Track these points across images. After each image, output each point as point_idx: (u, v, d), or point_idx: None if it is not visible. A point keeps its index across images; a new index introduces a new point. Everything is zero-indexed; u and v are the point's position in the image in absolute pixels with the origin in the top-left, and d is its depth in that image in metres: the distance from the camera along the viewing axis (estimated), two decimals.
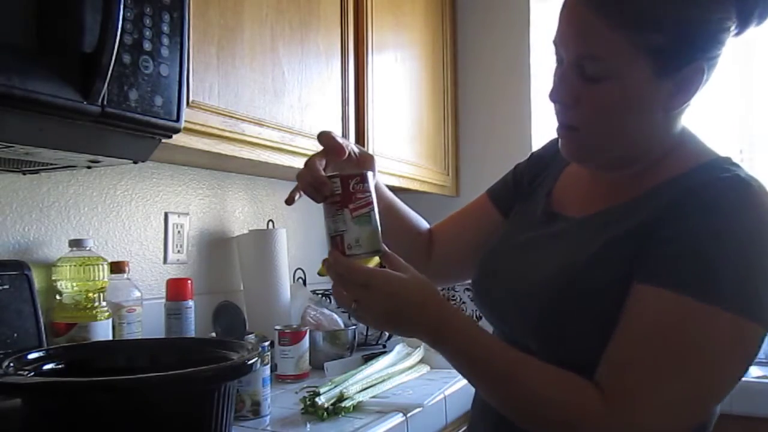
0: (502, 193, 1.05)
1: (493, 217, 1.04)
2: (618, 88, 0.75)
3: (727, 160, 0.80)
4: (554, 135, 0.92)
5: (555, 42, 0.80)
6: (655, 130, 0.80)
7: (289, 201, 0.88)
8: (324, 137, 0.90)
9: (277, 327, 1.51)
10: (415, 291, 0.78)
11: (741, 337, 0.70)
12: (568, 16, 0.78)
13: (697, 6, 0.73)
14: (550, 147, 1.02)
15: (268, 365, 1.23)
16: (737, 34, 0.77)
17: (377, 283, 0.78)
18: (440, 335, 0.78)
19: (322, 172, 0.85)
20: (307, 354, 1.51)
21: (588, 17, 0.74)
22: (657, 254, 0.73)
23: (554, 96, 0.80)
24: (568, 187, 0.94)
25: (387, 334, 1.89)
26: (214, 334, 1.48)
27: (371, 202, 0.82)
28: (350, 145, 0.93)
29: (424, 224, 1.12)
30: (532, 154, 1.06)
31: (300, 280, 1.93)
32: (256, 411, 1.19)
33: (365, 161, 0.93)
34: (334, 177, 0.82)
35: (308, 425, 1.18)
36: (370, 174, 0.84)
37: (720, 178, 0.75)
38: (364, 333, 1.85)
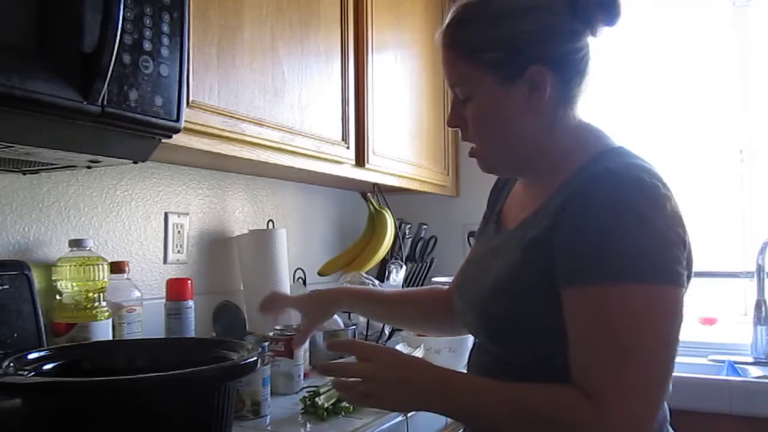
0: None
1: None
2: (479, 103, 0.90)
3: (613, 151, 0.87)
4: None
5: None
6: (536, 131, 0.90)
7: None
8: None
9: (278, 327, 1.51)
10: (414, 359, 0.92)
11: (661, 300, 0.77)
12: (441, 55, 0.93)
13: (526, 20, 0.86)
14: None
15: (269, 365, 1.23)
16: (594, 34, 0.88)
17: (382, 353, 0.88)
18: (447, 390, 0.84)
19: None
20: (307, 354, 1.51)
21: (447, 53, 0.92)
22: (563, 258, 0.80)
23: (449, 122, 0.95)
24: (512, 201, 1.03)
25: (387, 333, 1.89)
26: (214, 334, 1.48)
27: None
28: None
29: (440, 291, 1.23)
30: (498, 178, 1.13)
31: (300, 280, 1.93)
32: (256, 411, 1.19)
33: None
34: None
35: (308, 425, 1.18)
36: None
37: (592, 178, 0.82)
38: (364, 333, 1.85)
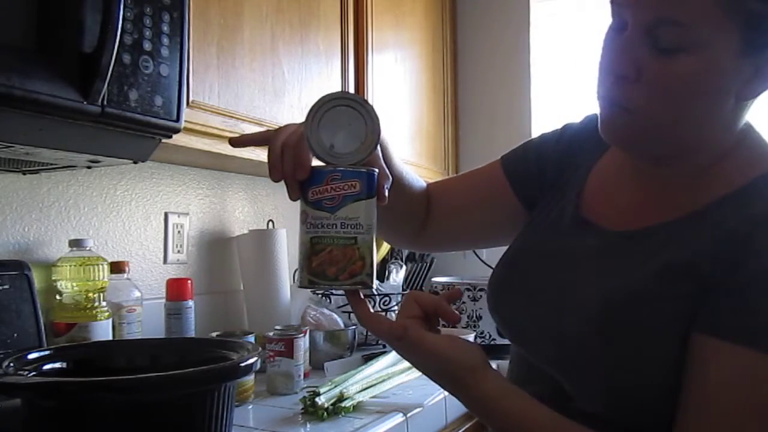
0: (520, 173, 0.88)
1: (508, 198, 0.88)
2: (697, 63, 0.62)
3: None
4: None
5: (617, 1, 0.66)
6: (722, 121, 0.67)
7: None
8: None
9: (278, 327, 1.51)
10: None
11: None
12: None
13: None
14: (586, 129, 0.85)
15: None
16: None
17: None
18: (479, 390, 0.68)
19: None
20: (307, 354, 1.51)
21: None
22: (727, 303, 0.61)
23: (612, 66, 0.65)
24: (602, 187, 0.79)
25: None
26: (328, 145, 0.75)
27: None
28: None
29: (421, 183, 0.94)
30: (565, 129, 0.88)
31: None
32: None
33: None
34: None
35: (308, 425, 1.17)
36: None
37: None
38: (364, 333, 1.85)
